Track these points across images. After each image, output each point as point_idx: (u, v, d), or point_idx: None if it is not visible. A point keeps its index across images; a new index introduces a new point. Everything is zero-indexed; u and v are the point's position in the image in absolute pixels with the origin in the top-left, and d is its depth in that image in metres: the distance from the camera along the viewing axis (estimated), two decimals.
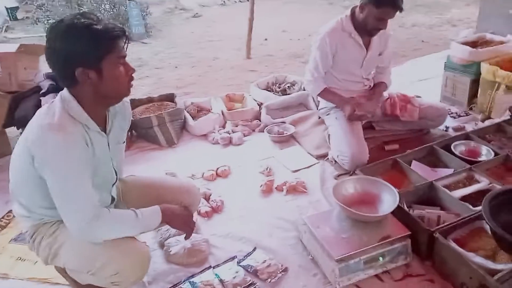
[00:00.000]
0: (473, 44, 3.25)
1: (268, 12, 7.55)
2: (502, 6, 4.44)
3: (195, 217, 2.11)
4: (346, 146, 2.38)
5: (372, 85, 2.72)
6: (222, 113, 3.17)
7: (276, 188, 2.36)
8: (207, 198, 2.27)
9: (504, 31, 3.96)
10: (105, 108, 1.44)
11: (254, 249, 1.90)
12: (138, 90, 4.08)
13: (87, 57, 1.26)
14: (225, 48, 5.56)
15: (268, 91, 3.49)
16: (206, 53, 5.39)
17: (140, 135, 2.98)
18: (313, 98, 3.27)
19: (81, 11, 1.32)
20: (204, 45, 5.83)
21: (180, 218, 1.54)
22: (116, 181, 1.58)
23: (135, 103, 3.14)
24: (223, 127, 3.09)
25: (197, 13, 7.90)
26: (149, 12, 6.90)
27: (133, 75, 1.40)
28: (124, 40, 1.34)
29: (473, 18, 5.39)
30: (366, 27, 2.38)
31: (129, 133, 2.94)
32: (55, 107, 1.32)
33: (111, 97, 1.39)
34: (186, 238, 1.64)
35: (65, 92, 1.35)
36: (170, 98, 3.26)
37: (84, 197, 1.28)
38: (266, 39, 5.84)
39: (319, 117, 2.92)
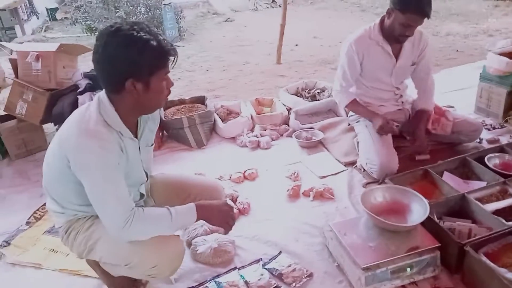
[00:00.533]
0: (510, 55, 3.16)
1: (300, 18, 7.57)
2: None
3: None
4: (375, 154, 2.36)
5: (403, 94, 2.66)
6: (251, 117, 3.20)
7: (303, 193, 2.36)
8: (234, 200, 2.30)
9: None
10: (139, 115, 1.48)
11: (280, 253, 1.91)
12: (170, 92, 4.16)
13: (141, 70, 1.30)
14: (255, 53, 5.61)
15: (298, 96, 3.50)
16: (237, 57, 5.45)
17: (171, 135, 3.04)
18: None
19: (135, 21, 1.34)
20: (235, 49, 5.90)
21: (218, 214, 1.51)
22: (146, 181, 1.62)
23: (167, 104, 3.21)
24: (252, 130, 3.11)
25: (229, 18, 8.01)
26: (182, 15, 7.04)
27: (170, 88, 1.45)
28: (174, 58, 1.38)
29: (510, 28, 5.24)
30: (394, 34, 2.33)
31: (160, 133, 3.02)
32: (91, 111, 1.35)
33: (149, 108, 1.44)
34: (225, 233, 1.61)
35: (103, 95, 1.38)
36: (201, 100, 3.32)
37: (120, 202, 1.32)
38: (296, 45, 5.86)
39: (349, 124, 2.90)
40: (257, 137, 2.97)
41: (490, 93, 3.11)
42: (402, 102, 2.65)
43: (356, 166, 2.57)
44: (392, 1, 2.27)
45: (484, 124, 2.96)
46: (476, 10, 7.33)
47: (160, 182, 1.77)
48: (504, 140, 2.73)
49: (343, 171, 2.56)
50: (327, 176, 2.52)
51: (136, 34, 1.28)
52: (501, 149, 2.39)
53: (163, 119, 2.97)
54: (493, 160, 2.28)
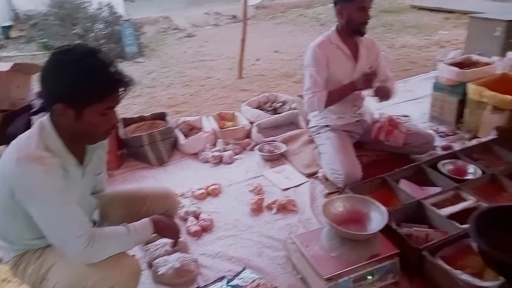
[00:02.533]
0: (460, 65, 3.32)
1: (261, 33, 7.67)
2: (488, 29, 4.58)
3: (184, 236, 2.11)
4: (339, 164, 2.41)
5: (363, 113, 2.73)
6: (214, 132, 3.19)
7: (266, 207, 2.36)
8: (197, 217, 2.27)
9: (490, 53, 4.08)
10: (83, 144, 1.42)
11: (244, 268, 1.89)
12: (130, 109, 4.09)
13: (72, 97, 1.24)
14: (217, 68, 5.62)
15: (260, 110, 3.53)
16: (198, 73, 5.44)
17: (131, 153, 2.98)
18: (303, 117, 3.30)
19: (94, 48, 1.28)
20: (197, 64, 5.89)
21: (170, 227, 1.61)
22: (95, 208, 1.58)
23: (126, 122, 3.15)
24: (214, 145, 3.10)
25: (190, 33, 8.01)
26: (142, 31, 6.97)
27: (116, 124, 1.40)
28: (124, 90, 1.31)
29: (461, 39, 5.52)
30: (354, 27, 2.42)
31: (119, 152, 2.95)
32: (32, 136, 1.30)
33: (86, 139, 1.38)
34: (173, 245, 1.73)
35: (45, 120, 1.33)
36: (162, 116, 3.28)
37: (77, 223, 1.27)
38: (258, 59, 5.91)
39: (310, 136, 2.94)
40: (220, 152, 2.95)
41: (443, 102, 3.25)
42: (360, 114, 2.72)
43: (318, 176, 2.60)
44: (336, 1, 2.41)
45: (437, 132, 3.09)
46: (429, 23, 7.68)
47: (113, 199, 1.73)
48: (456, 146, 2.85)
49: (306, 182, 2.59)
50: (289, 188, 2.54)
51: (85, 59, 1.22)
52: (454, 155, 2.50)
53: (122, 137, 2.91)
54: (446, 166, 2.37)
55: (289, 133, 3.13)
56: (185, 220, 2.25)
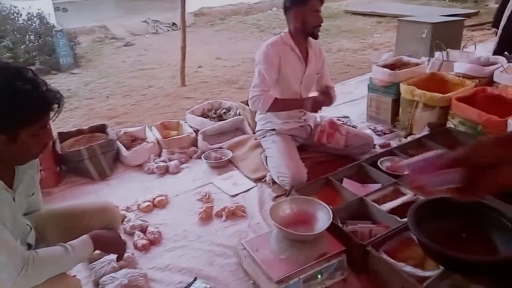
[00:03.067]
0: (392, 66, 3.51)
1: (201, 40, 7.66)
2: (416, 31, 4.89)
3: (132, 250, 2.04)
4: (285, 167, 2.44)
5: (307, 119, 2.79)
6: (158, 142, 3.12)
7: (215, 214, 2.34)
8: (143, 230, 2.20)
9: (419, 54, 4.35)
10: (12, 166, 1.35)
11: (195, 279, 1.86)
12: (67, 123, 3.91)
13: (5, 123, 1.18)
14: (159, 76, 5.52)
15: (204, 117, 3.50)
16: (139, 82, 5.31)
17: (70, 169, 2.83)
18: (248, 123, 3.33)
19: (19, 67, 1.21)
20: (137, 73, 5.75)
21: (111, 242, 1.52)
22: (30, 230, 1.49)
23: (63, 136, 3.00)
24: (159, 156, 3.03)
25: (128, 42, 7.81)
26: (77, 41, 6.70)
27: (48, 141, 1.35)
28: (56, 109, 1.27)
29: (392, 42, 5.83)
30: (309, 30, 2.49)
31: (57, 168, 2.80)
32: None
33: (17, 160, 1.33)
34: (118, 260, 1.62)
35: None
36: (101, 129, 3.15)
37: (9, 250, 1.20)
38: (200, 66, 5.89)
39: (255, 139, 2.97)
40: (165, 162, 2.89)
41: (378, 102, 3.41)
42: (305, 119, 2.78)
43: (265, 180, 2.63)
44: (289, 4, 2.47)
45: (375, 131, 3.24)
46: (363, 27, 8.06)
47: (49, 217, 1.63)
48: (393, 143, 3.00)
49: (253, 187, 2.60)
50: (238, 194, 2.54)
51: (9, 83, 1.16)
52: (392, 152, 2.62)
53: (60, 152, 2.76)
54: (385, 163, 2.49)
55: (235, 139, 3.13)
56: (131, 234, 2.18)
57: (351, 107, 3.83)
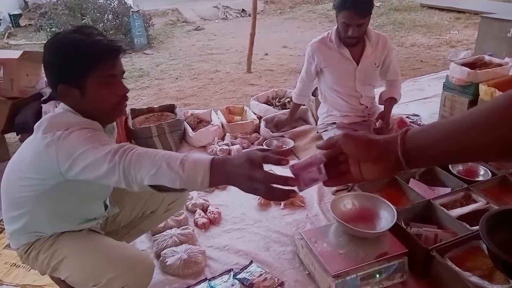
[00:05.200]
0: (472, 65, 3.29)
1: (269, 28, 7.65)
2: (500, 29, 4.54)
3: (192, 227, 2.11)
4: None
5: (368, 106, 2.72)
6: (222, 125, 3.18)
7: (274, 202, 2.36)
8: (204, 209, 2.27)
9: (502, 54, 4.04)
10: (102, 124, 1.35)
11: (251, 262, 1.89)
12: (139, 100, 4.10)
13: (67, 73, 1.24)
14: (226, 62, 5.61)
15: (268, 105, 3.52)
16: (207, 66, 5.43)
17: (140, 145, 2.93)
18: (312, 113, 3.30)
19: (83, 25, 1.32)
20: (205, 57, 5.88)
21: (241, 173, 0.94)
22: (111, 190, 1.56)
23: (135, 113, 3.15)
24: (222, 139, 3.10)
25: (199, 26, 7.99)
26: (151, 23, 6.97)
27: (127, 95, 1.34)
28: (119, 57, 1.29)
29: (471, 39, 5.48)
30: (341, 36, 2.46)
31: (128, 142, 2.95)
32: (55, 122, 1.24)
33: (96, 117, 1.30)
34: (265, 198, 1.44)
35: (59, 108, 1.33)
36: (170, 108, 3.28)
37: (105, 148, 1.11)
38: (266, 54, 5.90)
39: (317, 132, 2.94)
40: (228, 146, 2.95)
41: (453, 102, 3.22)
42: (369, 114, 2.70)
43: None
44: (333, 5, 2.42)
45: None
46: (439, 22, 7.62)
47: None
48: None
49: None
50: None
51: (69, 36, 1.25)
52: None
53: (131, 127, 2.91)
54: (457, 167, 2.35)
55: (298, 129, 3.12)
56: (193, 212, 2.26)
57: (422, 105, 3.66)
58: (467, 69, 3.11)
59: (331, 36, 2.53)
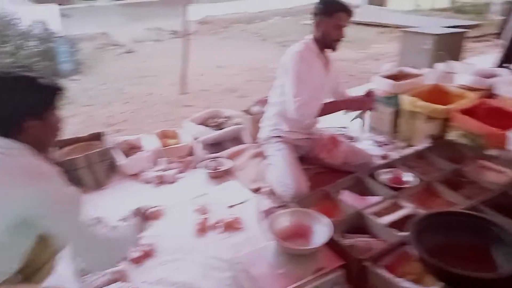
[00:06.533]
0: (394, 77, 3.48)
1: (204, 48, 7.67)
2: (418, 42, 4.88)
3: (124, 263, 1.99)
4: (289, 177, 2.42)
5: (313, 132, 2.78)
6: (156, 151, 3.08)
7: (211, 226, 2.30)
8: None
9: (421, 65, 4.33)
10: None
11: None
12: (65, 130, 3.88)
13: (37, 108, 1.33)
14: (159, 84, 5.51)
15: (204, 126, 3.47)
16: (140, 89, 5.30)
17: (68, 177, 2.79)
18: (248, 132, 3.29)
19: (13, 64, 1.34)
20: (138, 80, 5.74)
21: None
22: None
23: (60, 144, 2.96)
24: (157, 165, 3.00)
25: (130, 49, 7.82)
26: (79, 48, 6.71)
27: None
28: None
29: (394, 52, 5.82)
30: (328, 42, 2.43)
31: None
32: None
33: (49, 143, 1.48)
34: None
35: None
36: (99, 136, 3.12)
37: None
38: (202, 75, 5.89)
39: (258, 143, 2.90)
40: (162, 171, 2.86)
41: (380, 113, 3.37)
42: (312, 132, 2.76)
43: (264, 191, 2.59)
44: (317, 13, 2.40)
45: (376, 142, 3.20)
46: (365, 37, 8.08)
47: None
48: (394, 155, 2.97)
49: (252, 198, 2.56)
50: (235, 205, 2.50)
51: (23, 74, 1.33)
52: (391, 164, 2.58)
53: (55, 160, 2.73)
54: (384, 175, 2.44)
55: (234, 148, 3.10)
56: None
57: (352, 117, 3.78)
58: (391, 81, 3.28)
59: (309, 45, 2.46)
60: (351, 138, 3.30)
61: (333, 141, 2.73)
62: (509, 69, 3.90)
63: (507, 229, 1.69)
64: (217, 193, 2.63)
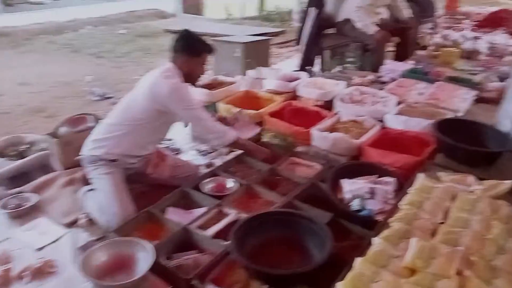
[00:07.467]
0: (210, 86, 3.57)
1: (2, 64, 6.65)
2: (228, 51, 5.13)
3: None
4: (115, 204, 2.24)
5: None
6: None
7: (16, 277, 1.93)
8: None
9: (234, 72, 4.57)
10: None
11: None
12: None
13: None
14: None
15: (0, 157, 2.94)
16: None
17: None
18: (58, 157, 2.91)
19: None
20: None
21: None
22: None
23: None
24: None
25: None
26: None
27: None
28: None
29: (210, 61, 6.01)
30: (194, 77, 2.53)
31: None
32: None
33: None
34: None
35: None
36: None
37: None
38: (1, 95, 5.07)
39: (70, 176, 2.63)
40: None
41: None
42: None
43: (81, 222, 2.31)
44: (182, 52, 2.43)
45: (200, 151, 3.21)
46: None
47: None
48: (218, 162, 3.01)
49: (66, 234, 2.25)
50: (45, 246, 2.15)
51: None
52: (214, 173, 2.60)
53: None
54: (208, 185, 2.43)
55: (40, 179, 2.69)
56: None
57: (174, 129, 3.73)
58: (206, 90, 3.35)
59: (177, 74, 2.41)
60: (176, 150, 3.24)
61: (159, 155, 2.66)
62: (309, 72, 4.42)
63: (316, 221, 1.86)
64: (21, 236, 2.23)
